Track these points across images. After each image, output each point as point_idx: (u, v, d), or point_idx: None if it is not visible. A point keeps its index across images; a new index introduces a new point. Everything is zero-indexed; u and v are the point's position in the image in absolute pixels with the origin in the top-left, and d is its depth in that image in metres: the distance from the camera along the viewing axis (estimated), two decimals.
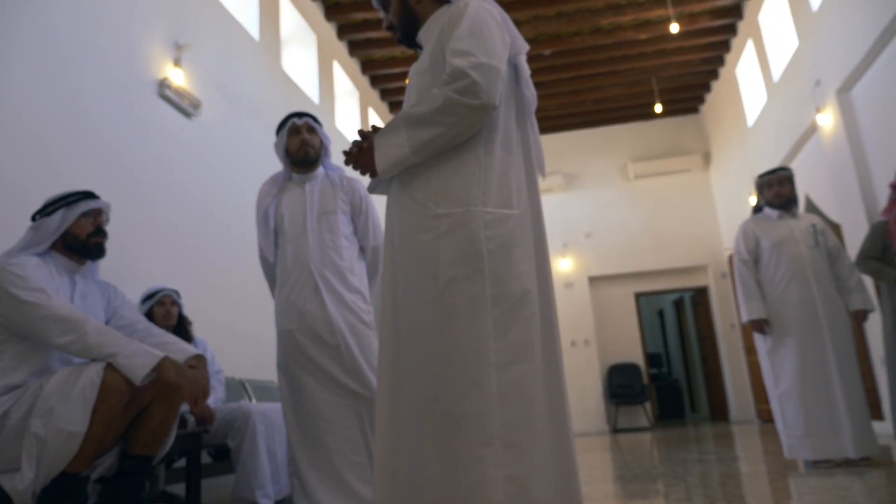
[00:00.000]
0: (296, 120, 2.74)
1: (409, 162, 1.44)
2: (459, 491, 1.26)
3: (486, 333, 1.33)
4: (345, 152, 1.58)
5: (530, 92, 1.60)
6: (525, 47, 1.58)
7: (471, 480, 1.25)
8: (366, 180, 4.96)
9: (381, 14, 1.75)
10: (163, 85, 3.91)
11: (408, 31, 1.68)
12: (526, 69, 1.59)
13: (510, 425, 1.29)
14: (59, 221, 2.21)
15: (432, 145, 1.41)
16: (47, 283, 2.09)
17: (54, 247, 2.24)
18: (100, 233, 2.30)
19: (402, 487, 1.36)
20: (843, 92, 5.50)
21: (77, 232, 2.24)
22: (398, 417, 1.41)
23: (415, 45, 1.70)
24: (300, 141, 2.72)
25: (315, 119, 2.79)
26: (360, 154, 1.53)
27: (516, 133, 1.53)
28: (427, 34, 1.62)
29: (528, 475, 1.28)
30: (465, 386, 1.30)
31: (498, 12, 1.53)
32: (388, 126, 1.47)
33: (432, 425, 1.32)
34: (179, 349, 2.17)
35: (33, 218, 2.25)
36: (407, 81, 1.65)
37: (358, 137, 1.58)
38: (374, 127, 1.57)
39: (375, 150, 1.47)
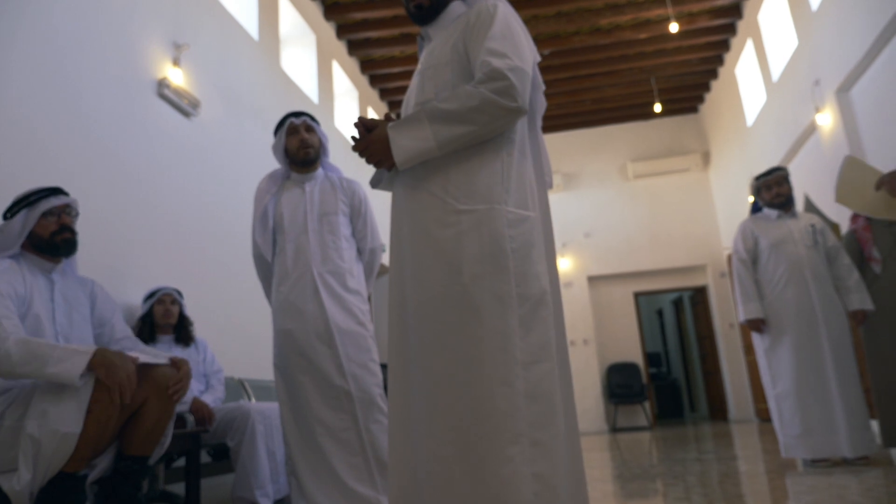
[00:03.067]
0: (294, 119, 2.72)
1: (432, 156, 1.43)
2: (488, 490, 1.24)
3: (513, 331, 1.32)
4: (353, 138, 1.55)
5: (542, 99, 1.61)
6: (538, 57, 1.58)
7: (500, 479, 1.24)
8: (365, 179, 4.95)
9: None
10: (162, 84, 3.90)
11: (433, 10, 1.63)
12: (539, 76, 1.59)
13: (536, 424, 1.29)
14: (21, 223, 2.15)
15: (460, 142, 1.41)
16: (18, 285, 2.05)
17: (25, 247, 2.19)
18: (65, 230, 2.22)
19: (422, 488, 1.33)
20: (843, 91, 5.50)
21: (41, 232, 2.18)
22: (413, 415, 1.39)
23: (423, 24, 1.66)
24: (299, 140, 2.71)
25: (312, 118, 2.78)
26: (371, 143, 1.50)
27: (528, 138, 1.54)
28: (444, 26, 1.61)
29: (553, 473, 1.28)
30: (492, 384, 1.29)
31: (519, 19, 1.54)
32: (407, 118, 1.45)
33: (455, 423, 1.30)
34: (155, 355, 2.14)
35: (4, 216, 2.20)
36: (413, 79, 1.64)
37: (359, 126, 1.53)
38: (387, 115, 1.54)
39: (392, 141, 1.43)
